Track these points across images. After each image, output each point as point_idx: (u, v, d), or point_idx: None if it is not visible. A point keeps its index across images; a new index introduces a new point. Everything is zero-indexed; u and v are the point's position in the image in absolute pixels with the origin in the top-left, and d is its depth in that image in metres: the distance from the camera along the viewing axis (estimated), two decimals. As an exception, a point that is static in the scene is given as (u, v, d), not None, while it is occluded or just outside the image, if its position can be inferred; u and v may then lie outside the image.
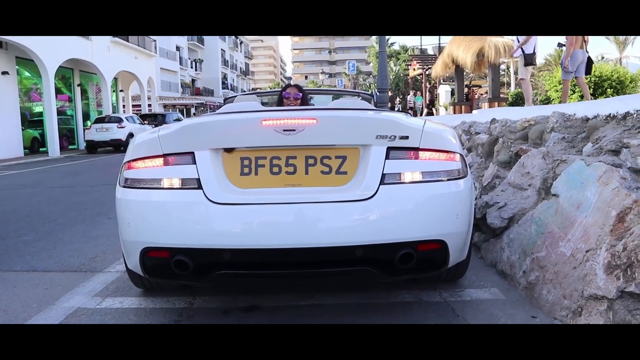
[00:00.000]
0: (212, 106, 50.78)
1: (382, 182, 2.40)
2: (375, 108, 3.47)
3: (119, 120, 21.02)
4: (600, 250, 2.47)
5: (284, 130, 2.38)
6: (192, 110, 46.07)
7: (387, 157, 2.44)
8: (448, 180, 2.51)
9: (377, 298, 3.06)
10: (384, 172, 2.41)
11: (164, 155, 2.48)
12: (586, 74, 8.14)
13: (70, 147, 23.39)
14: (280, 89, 4.92)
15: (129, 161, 2.58)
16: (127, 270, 2.99)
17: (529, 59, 8.51)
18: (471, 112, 12.75)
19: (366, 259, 2.42)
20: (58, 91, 21.92)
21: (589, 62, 7.95)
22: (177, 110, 40.35)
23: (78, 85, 24.28)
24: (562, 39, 8.30)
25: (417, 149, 2.48)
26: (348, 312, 2.86)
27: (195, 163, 2.43)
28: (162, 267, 2.55)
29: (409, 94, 27.36)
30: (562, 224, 2.89)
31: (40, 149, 20.76)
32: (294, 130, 2.38)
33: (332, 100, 5.79)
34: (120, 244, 2.78)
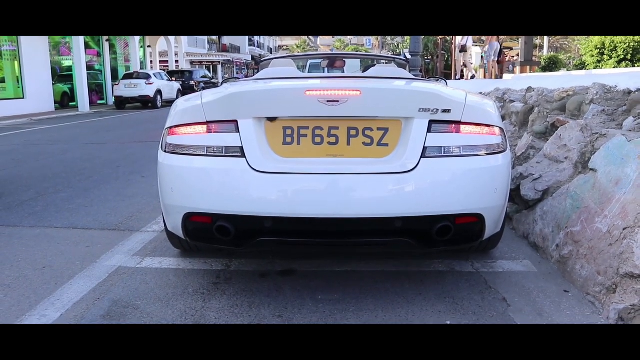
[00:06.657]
0: (238, 63, 50.52)
1: (423, 156, 2.42)
2: (414, 77, 3.44)
3: (147, 77, 21.13)
4: (638, 228, 2.46)
5: (327, 102, 2.39)
6: (219, 68, 45.90)
7: (428, 131, 2.45)
8: (488, 154, 2.51)
9: (409, 266, 3.11)
10: (426, 146, 2.43)
11: (208, 123, 2.52)
12: (498, 58, 13.39)
13: (99, 102, 23.61)
14: (318, 52, 4.86)
15: (171, 127, 2.63)
16: (166, 231, 3.07)
17: (462, 48, 14.63)
18: (501, 76, 12.73)
19: (405, 230, 2.46)
20: (86, 46, 21.97)
21: (501, 50, 13.44)
22: (204, 67, 40.24)
23: (107, 40, 24.29)
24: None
25: (458, 123, 2.48)
26: (382, 279, 2.92)
27: (238, 131, 2.47)
28: (204, 232, 2.62)
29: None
30: (599, 200, 2.88)
31: (70, 104, 20.99)
32: (337, 101, 2.40)
33: (360, 63, 5.73)
34: (156, 205, 2.84)
